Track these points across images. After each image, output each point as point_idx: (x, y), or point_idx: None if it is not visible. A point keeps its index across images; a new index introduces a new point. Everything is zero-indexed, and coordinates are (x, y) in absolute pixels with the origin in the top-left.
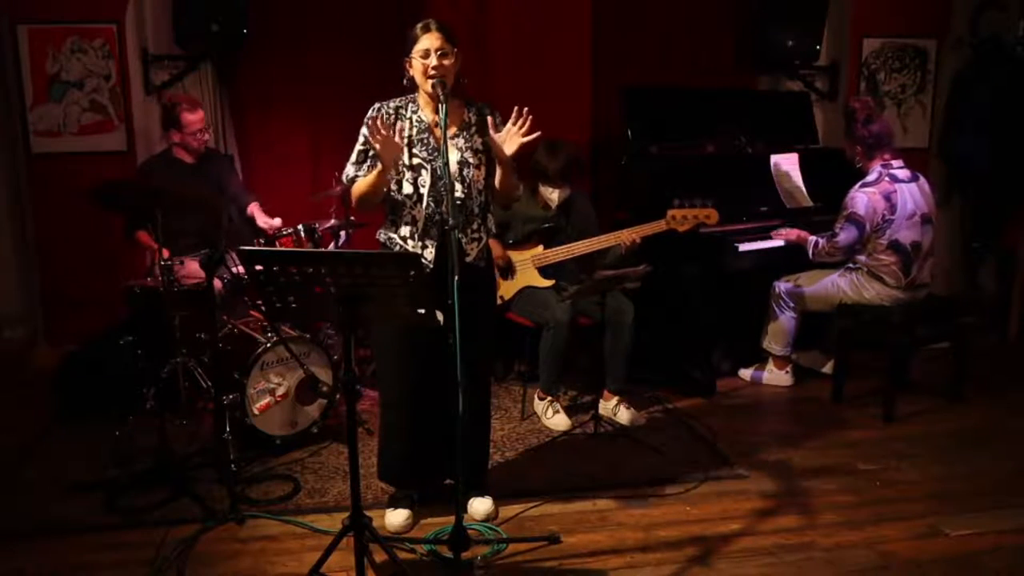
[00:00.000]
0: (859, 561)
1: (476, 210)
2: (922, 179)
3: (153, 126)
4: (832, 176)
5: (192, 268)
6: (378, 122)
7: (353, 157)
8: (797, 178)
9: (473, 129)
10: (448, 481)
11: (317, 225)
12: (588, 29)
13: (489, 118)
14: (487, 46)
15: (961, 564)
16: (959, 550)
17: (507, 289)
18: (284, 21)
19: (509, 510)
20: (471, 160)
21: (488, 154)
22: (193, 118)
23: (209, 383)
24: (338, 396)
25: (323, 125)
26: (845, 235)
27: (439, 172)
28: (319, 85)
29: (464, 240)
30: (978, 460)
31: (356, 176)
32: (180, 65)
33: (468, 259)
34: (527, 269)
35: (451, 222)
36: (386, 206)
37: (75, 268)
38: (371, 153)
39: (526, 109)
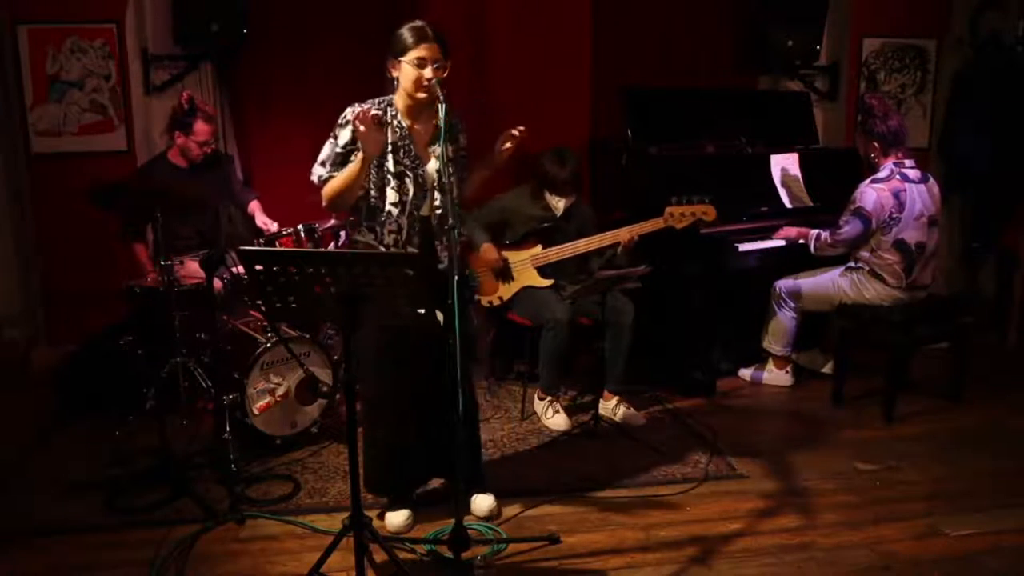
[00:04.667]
0: (859, 561)
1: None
2: (932, 180)
3: (153, 126)
4: (832, 176)
5: (192, 268)
6: (368, 112)
7: (325, 158)
8: (797, 178)
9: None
10: (438, 482)
11: (317, 225)
12: (588, 29)
13: (510, 135)
14: (487, 46)
15: (961, 564)
16: (959, 550)
17: (507, 289)
18: (284, 21)
19: (509, 510)
20: (449, 168)
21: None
22: (204, 129)
23: (209, 383)
24: (338, 396)
25: (323, 124)
26: (849, 228)
27: (420, 179)
28: (319, 85)
29: (439, 247)
30: (978, 460)
31: (330, 176)
32: (180, 65)
33: (441, 266)
34: (526, 269)
35: (451, 222)
36: (360, 212)
37: (75, 268)
38: (349, 150)
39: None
